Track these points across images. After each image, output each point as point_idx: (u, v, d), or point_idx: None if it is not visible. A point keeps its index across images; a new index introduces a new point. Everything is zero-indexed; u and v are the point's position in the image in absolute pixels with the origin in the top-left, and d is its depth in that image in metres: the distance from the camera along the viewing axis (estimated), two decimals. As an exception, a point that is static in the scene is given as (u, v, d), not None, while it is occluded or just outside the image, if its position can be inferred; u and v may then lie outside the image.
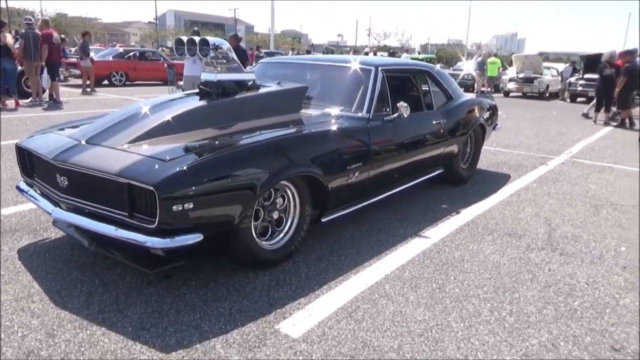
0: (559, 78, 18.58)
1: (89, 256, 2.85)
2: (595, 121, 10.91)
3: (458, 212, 4.02)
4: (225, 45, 3.39)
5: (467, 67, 18.46)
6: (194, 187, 2.26)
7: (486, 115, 5.29)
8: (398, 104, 3.49)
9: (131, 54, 16.82)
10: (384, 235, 3.42)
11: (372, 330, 2.26)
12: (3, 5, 38.68)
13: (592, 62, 15.53)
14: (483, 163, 5.77)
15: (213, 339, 2.13)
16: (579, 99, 16.43)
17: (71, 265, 2.75)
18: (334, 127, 3.20)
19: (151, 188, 2.17)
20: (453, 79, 5.06)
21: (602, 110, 10.94)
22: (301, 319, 2.32)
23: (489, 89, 17.36)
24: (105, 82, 15.10)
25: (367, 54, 21.68)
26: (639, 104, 12.20)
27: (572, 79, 17.11)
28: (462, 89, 5.31)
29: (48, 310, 2.30)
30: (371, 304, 2.50)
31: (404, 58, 19.73)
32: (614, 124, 10.60)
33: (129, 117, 2.92)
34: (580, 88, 16.23)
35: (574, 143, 7.96)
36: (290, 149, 2.84)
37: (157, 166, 2.31)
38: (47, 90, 10.44)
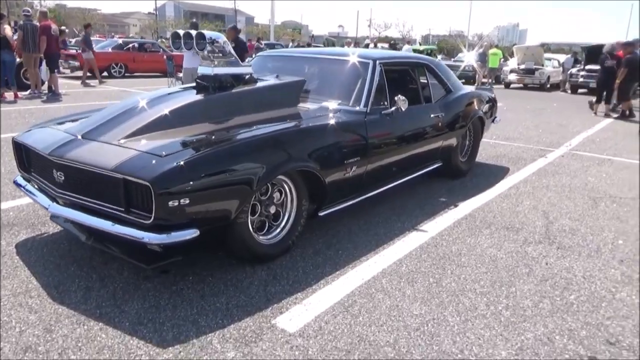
0: (560, 69, 18.50)
1: (87, 251, 2.86)
2: (595, 113, 10.86)
3: (456, 206, 4.02)
4: (222, 38, 3.37)
5: (469, 58, 18.37)
6: (190, 183, 2.26)
7: (485, 107, 5.27)
8: (396, 98, 3.46)
9: (130, 45, 16.75)
10: (382, 229, 3.42)
11: (369, 325, 2.27)
12: (2, -4, 38.45)
13: (593, 53, 15.39)
14: (482, 156, 5.76)
15: (210, 334, 2.14)
16: (580, 90, 16.34)
17: (69, 260, 2.76)
18: (331, 121, 3.19)
19: (147, 184, 2.17)
20: (452, 72, 5.03)
21: (603, 101, 10.90)
22: (298, 314, 2.33)
23: (490, 80, 17.29)
24: (105, 73, 15.05)
25: (367, 45, 21.56)
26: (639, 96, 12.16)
27: (574, 70, 17.02)
28: (464, 80, 5.28)
29: (46, 305, 2.32)
30: (368, 298, 2.51)
31: (406, 49, 19.65)
32: (615, 115, 10.55)
33: (125, 111, 2.91)
34: (581, 79, 16.10)
35: (574, 135, 7.94)
36: (287, 144, 2.83)
37: (153, 161, 2.31)
38: (46, 83, 10.41)
